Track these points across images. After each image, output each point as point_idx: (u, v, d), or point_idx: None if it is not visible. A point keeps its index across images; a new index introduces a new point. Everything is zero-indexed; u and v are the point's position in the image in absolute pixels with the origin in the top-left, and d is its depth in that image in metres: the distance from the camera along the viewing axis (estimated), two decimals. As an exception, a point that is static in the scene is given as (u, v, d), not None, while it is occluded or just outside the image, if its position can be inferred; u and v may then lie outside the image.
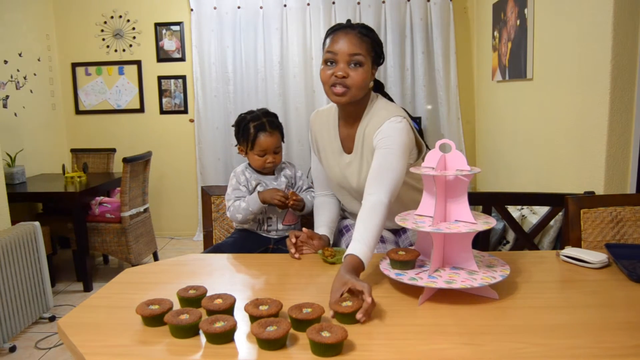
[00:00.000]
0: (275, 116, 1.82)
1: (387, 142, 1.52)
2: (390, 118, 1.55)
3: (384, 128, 1.54)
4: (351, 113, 1.63)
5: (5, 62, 3.81)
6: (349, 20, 1.64)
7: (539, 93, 2.90)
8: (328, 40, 1.59)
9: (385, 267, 1.28)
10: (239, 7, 4.27)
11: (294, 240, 1.58)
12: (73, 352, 1.01)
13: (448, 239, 1.27)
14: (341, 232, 1.85)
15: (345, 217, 1.91)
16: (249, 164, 1.82)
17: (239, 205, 1.74)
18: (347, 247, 1.75)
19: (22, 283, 2.63)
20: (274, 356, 0.95)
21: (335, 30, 1.59)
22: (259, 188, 1.77)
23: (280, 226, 1.79)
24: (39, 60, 4.22)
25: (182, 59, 4.44)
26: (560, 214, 2.14)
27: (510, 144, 3.46)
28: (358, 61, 1.53)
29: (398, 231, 1.84)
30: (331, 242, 1.71)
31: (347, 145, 1.66)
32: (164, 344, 1.00)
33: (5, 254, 2.49)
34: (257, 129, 1.74)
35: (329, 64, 1.55)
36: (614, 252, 1.40)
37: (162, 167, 4.54)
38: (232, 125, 1.86)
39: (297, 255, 1.56)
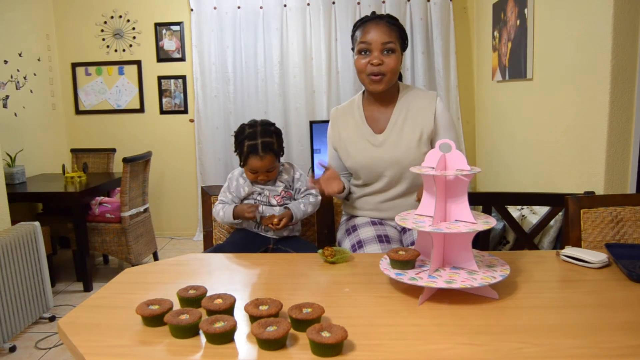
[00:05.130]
0: (274, 134, 1.75)
1: (449, 118, 1.78)
2: (437, 95, 1.78)
3: (439, 105, 1.76)
4: (386, 96, 1.78)
5: (5, 62, 3.81)
6: (373, 12, 1.77)
7: (539, 93, 2.90)
8: (359, 32, 1.73)
9: (385, 267, 1.28)
10: (239, 7, 4.27)
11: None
12: (73, 352, 1.01)
13: (448, 239, 1.26)
14: (348, 231, 1.85)
15: (353, 216, 1.90)
16: None
17: (218, 212, 1.79)
18: (351, 248, 1.76)
19: (22, 283, 2.63)
20: (274, 356, 0.95)
21: (365, 22, 1.72)
22: (255, 195, 1.78)
23: (279, 227, 1.79)
24: (39, 60, 4.22)
25: (182, 59, 4.44)
26: (560, 214, 2.14)
27: (510, 144, 3.46)
28: (391, 48, 1.68)
29: (403, 228, 1.84)
30: (345, 188, 1.77)
31: (378, 127, 1.79)
32: (164, 344, 1.00)
33: (5, 254, 2.49)
34: (249, 150, 1.70)
35: (363, 53, 1.69)
36: (614, 252, 1.40)
37: (162, 167, 4.54)
38: (232, 135, 1.85)
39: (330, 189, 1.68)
